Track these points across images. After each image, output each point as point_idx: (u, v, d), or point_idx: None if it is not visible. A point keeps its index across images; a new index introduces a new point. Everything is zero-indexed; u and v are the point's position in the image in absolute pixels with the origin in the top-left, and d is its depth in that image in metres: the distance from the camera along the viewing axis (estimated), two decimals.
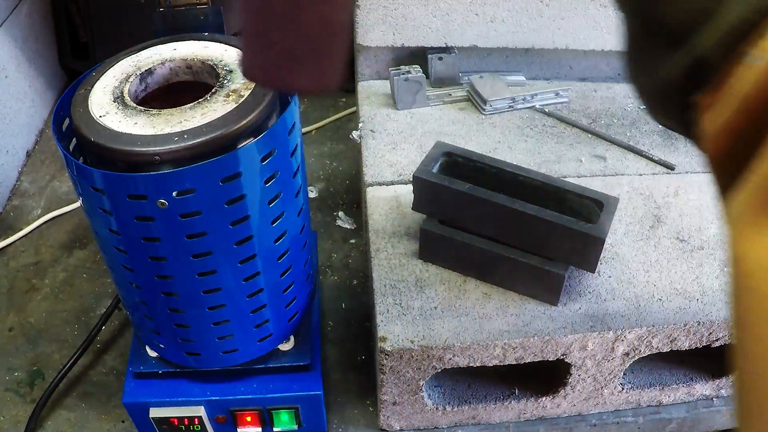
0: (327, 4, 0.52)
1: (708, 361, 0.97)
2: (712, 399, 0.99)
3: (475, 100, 1.22)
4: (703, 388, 0.97)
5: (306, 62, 0.54)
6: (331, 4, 0.52)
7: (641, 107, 1.24)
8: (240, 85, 0.70)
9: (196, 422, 0.87)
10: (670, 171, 1.09)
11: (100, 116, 0.67)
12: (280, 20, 0.52)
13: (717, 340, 0.88)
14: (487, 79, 1.23)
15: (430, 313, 0.86)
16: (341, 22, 0.54)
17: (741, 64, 0.36)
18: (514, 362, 0.86)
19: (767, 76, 0.34)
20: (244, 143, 0.66)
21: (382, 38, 1.21)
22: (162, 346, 0.83)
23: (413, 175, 0.89)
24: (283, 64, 0.54)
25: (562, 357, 0.86)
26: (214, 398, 0.86)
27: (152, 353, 0.86)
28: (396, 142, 1.13)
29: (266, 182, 0.70)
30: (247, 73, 0.57)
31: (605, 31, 1.21)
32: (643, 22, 0.44)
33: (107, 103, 0.69)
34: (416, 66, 1.21)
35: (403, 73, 1.18)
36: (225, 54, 0.76)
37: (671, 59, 0.41)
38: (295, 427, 0.91)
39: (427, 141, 1.08)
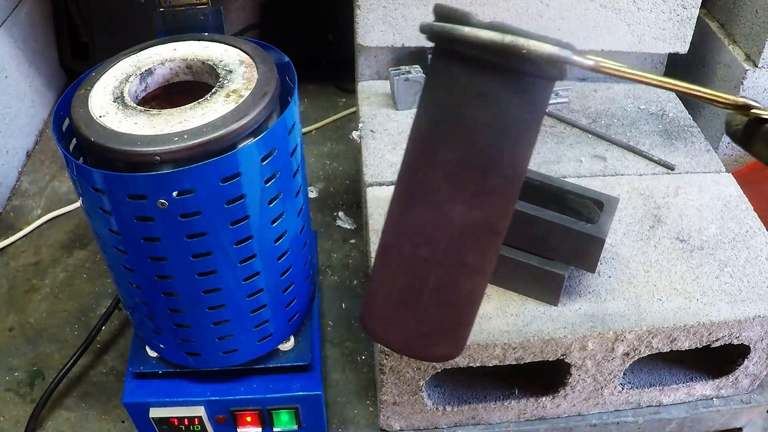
0: (480, 276, 0.48)
1: (708, 361, 0.97)
2: (712, 399, 0.99)
3: None
4: (703, 388, 0.97)
5: (447, 334, 0.50)
6: (483, 276, 0.48)
7: (641, 107, 1.24)
8: (240, 85, 0.70)
9: (196, 422, 0.87)
10: (670, 171, 1.09)
11: (100, 116, 0.67)
12: (433, 293, 0.47)
13: (717, 340, 0.88)
14: None
15: None
16: (483, 293, 0.50)
17: None
18: (514, 362, 0.86)
19: None
20: (244, 143, 0.66)
21: (382, 38, 1.21)
22: (162, 346, 0.83)
23: None
24: (425, 337, 0.50)
25: (562, 357, 0.86)
26: (214, 398, 0.86)
27: (152, 353, 0.87)
28: (396, 142, 1.13)
29: (266, 182, 0.70)
30: (380, 339, 0.52)
31: (605, 31, 1.21)
32: None
33: (107, 103, 0.69)
34: (416, 66, 1.21)
35: (403, 73, 1.18)
36: (225, 54, 0.76)
37: None
38: (295, 427, 0.91)
39: None
